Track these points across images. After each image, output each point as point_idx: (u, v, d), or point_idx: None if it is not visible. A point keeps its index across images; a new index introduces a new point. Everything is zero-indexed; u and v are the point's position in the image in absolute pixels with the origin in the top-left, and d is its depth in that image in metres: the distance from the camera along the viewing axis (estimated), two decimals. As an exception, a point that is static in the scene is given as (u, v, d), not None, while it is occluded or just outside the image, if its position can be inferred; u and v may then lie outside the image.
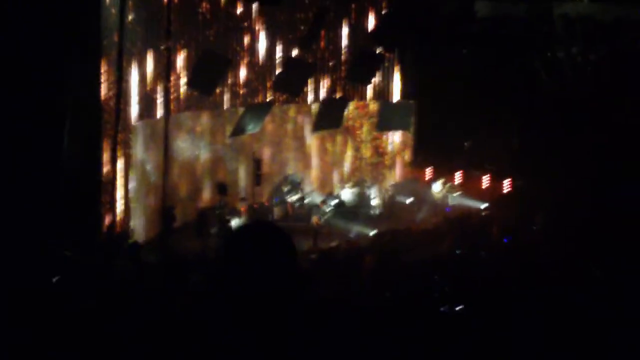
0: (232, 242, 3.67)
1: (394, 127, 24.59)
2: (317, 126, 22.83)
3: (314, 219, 21.37)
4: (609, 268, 12.99)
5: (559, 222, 19.31)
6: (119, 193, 18.29)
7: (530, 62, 25.09)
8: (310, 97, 23.62)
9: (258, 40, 22.29)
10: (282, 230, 3.72)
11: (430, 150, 24.94)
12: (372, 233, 21.07)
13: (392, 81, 25.15)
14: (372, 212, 23.15)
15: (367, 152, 25.37)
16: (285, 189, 22.83)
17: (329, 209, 22.01)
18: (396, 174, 25.81)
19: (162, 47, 19.35)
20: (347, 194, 23.53)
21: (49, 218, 15.83)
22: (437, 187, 24.22)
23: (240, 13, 21.82)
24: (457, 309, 11.02)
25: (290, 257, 3.65)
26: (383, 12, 24.25)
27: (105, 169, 17.80)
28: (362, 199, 23.48)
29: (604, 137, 23.01)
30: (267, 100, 22.43)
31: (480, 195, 23.88)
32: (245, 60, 22.12)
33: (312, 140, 24.40)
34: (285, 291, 3.60)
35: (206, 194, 21.84)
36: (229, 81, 21.55)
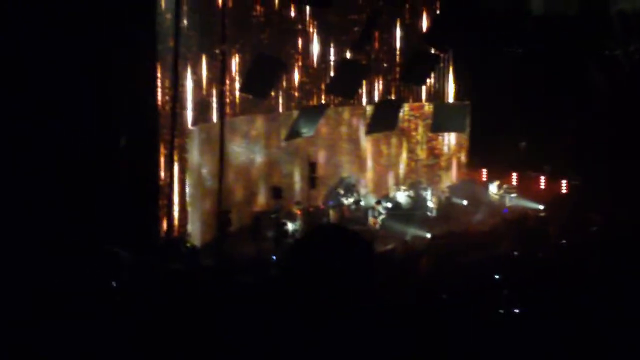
0: (304, 245, 3.61)
1: (449, 129, 24.41)
2: (372, 128, 22.73)
3: (370, 221, 21.32)
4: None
5: (616, 223, 19.06)
6: (176, 197, 18.41)
7: (585, 60, 24.81)
8: (364, 99, 23.58)
9: (312, 43, 22.32)
10: (360, 235, 3.67)
11: (486, 152, 24.76)
12: (428, 235, 20.96)
13: (447, 82, 25.03)
14: (428, 214, 23.04)
15: (422, 153, 25.27)
16: (341, 191, 22.79)
17: (385, 211, 21.94)
18: (452, 176, 25.66)
19: (217, 51, 19.45)
20: (402, 196, 23.45)
21: (108, 221, 15.99)
22: (493, 189, 24.07)
23: (294, 16, 21.87)
24: (516, 311, 10.91)
25: (369, 261, 3.60)
26: (436, 13, 24.12)
27: (162, 173, 17.93)
28: (417, 201, 23.39)
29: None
30: (322, 102, 22.43)
31: (537, 196, 23.68)
32: (299, 63, 22.16)
33: (366, 143, 24.35)
34: (360, 295, 3.55)
35: (261, 198, 21.89)
36: (283, 84, 21.59)
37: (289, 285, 3.57)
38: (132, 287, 12.44)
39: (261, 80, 18.98)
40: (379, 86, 23.79)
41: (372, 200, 22.60)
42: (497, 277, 13.79)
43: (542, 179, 24.30)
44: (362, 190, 23.45)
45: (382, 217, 21.61)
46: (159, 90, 17.75)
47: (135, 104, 17.05)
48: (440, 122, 23.89)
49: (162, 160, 17.87)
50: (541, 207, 22.94)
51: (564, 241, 18.42)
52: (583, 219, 19.84)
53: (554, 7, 25.28)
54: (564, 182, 23.93)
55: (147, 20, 17.46)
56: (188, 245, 17.89)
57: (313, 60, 22.46)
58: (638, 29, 24.98)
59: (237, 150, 21.12)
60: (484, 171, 24.88)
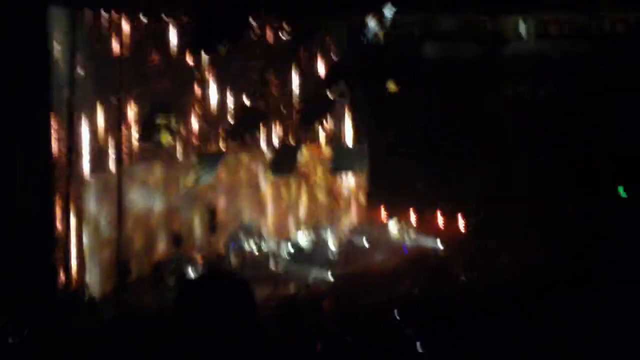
0: (185, 296, 3.62)
1: (348, 170, 24.69)
2: (271, 172, 22.87)
3: (272, 265, 21.28)
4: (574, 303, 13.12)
5: (516, 259, 19.48)
6: (73, 249, 18.11)
7: (481, 100, 25.38)
8: (263, 144, 23.66)
9: (209, 90, 22.34)
10: (239, 278, 3.68)
11: (385, 191, 25.07)
12: (330, 277, 21.03)
13: (344, 124, 25.30)
14: (329, 256, 23.13)
15: (321, 196, 25.42)
16: (241, 236, 22.74)
17: (286, 255, 21.95)
18: (352, 217, 25.87)
19: (113, 100, 19.31)
20: (303, 239, 23.51)
21: (1, 276, 15.65)
22: (393, 228, 24.30)
23: (191, 64, 21.86)
24: (419, 349, 11.04)
25: (248, 306, 3.60)
26: (333, 57, 24.45)
27: (58, 225, 17.63)
28: (318, 243, 23.47)
29: (557, 173, 23.32)
30: (220, 149, 22.43)
31: (437, 234, 24.01)
32: (197, 110, 22.13)
33: (266, 187, 24.39)
34: (245, 343, 3.55)
35: (161, 246, 21.64)
36: (181, 131, 21.51)
37: (176, 335, 3.58)
38: (31, 345, 12.18)
39: (156, 127, 18.99)
40: (277, 131, 23.91)
41: (273, 245, 22.57)
42: (397, 317, 13.95)
43: (440, 216, 24.65)
44: (263, 235, 23.43)
45: (283, 260, 21.60)
46: (54, 140, 17.51)
47: (29, 155, 16.80)
48: (339, 163, 24.24)
49: (58, 211, 17.60)
50: (440, 244, 23.26)
51: (464, 278, 18.74)
52: (483, 256, 20.23)
53: (450, 50, 25.84)
54: (461, 219, 24.32)
55: (41, 69, 17.27)
56: (86, 297, 17.61)
57: (211, 107, 22.46)
58: (529, 70, 25.69)
59: (136, 198, 20.89)
60: (383, 211, 25.14)
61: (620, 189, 23.11)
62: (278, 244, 22.48)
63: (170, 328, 3.63)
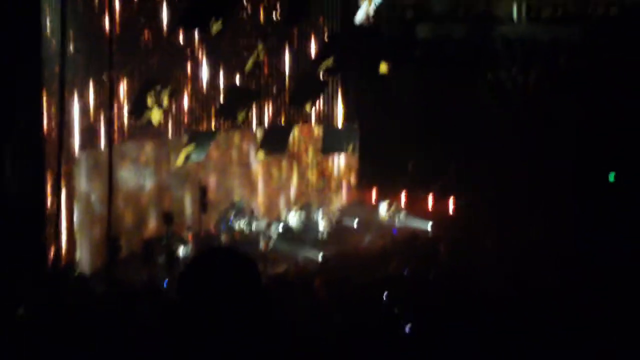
0: (191, 271, 3.63)
1: (339, 150, 24.70)
2: (262, 152, 22.88)
3: (262, 244, 21.31)
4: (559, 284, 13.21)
5: (504, 242, 19.52)
6: (64, 225, 18.12)
7: (472, 82, 25.41)
8: (254, 123, 23.64)
9: (201, 68, 22.29)
10: (245, 255, 3.69)
11: (375, 172, 25.08)
12: (319, 257, 21.08)
13: (336, 104, 25.28)
14: (319, 236, 23.18)
15: (312, 176, 25.43)
16: (232, 215, 22.76)
17: (276, 234, 21.97)
18: (342, 197, 25.90)
19: (104, 77, 19.26)
20: (293, 218, 23.54)
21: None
22: (383, 209, 24.33)
23: (183, 41, 21.81)
24: (407, 329, 11.09)
25: (254, 281, 3.63)
26: (325, 37, 24.41)
27: (49, 201, 17.63)
28: (308, 223, 23.51)
29: (547, 156, 23.38)
30: (212, 127, 22.41)
31: (427, 216, 24.05)
32: (189, 88, 22.08)
33: (257, 166, 24.40)
34: (249, 315, 3.57)
35: (152, 224, 21.65)
36: (173, 109, 21.48)
37: (180, 311, 3.59)
38: (22, 320, 12.22)
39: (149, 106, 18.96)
40: (268, 110, 23.88)
41: (263, 224, 22.60)
42: (385, 297, 14.01)
43: (430, 198, 24.68)
44: (254, 214, 23.46)
45: (273, 240, 21.61)
46: (45, 116, 17.49)
47: (21, 131, 16.77)
48: (330, 144, 24.24)
49: (48, 187, 17.60)
50: (429, 226, 23.30)
51: (453, 259, 18.78)
52: (472, 238, 20.26)
53: (442, 32, 25.86)
54: (452, 201, 24.35)
55: (32, 45, 17.22)
56: (77, 273, 17.63)
57: (203, 85, 22.43)
58: (520, 52, 25.73)
59: (126, 176, 20.88)
60: (374, 192, 25.17)
61: (611, 176, 23.15)
62: (268, 224, 22.49)
63: (176, 303, 3.64)
